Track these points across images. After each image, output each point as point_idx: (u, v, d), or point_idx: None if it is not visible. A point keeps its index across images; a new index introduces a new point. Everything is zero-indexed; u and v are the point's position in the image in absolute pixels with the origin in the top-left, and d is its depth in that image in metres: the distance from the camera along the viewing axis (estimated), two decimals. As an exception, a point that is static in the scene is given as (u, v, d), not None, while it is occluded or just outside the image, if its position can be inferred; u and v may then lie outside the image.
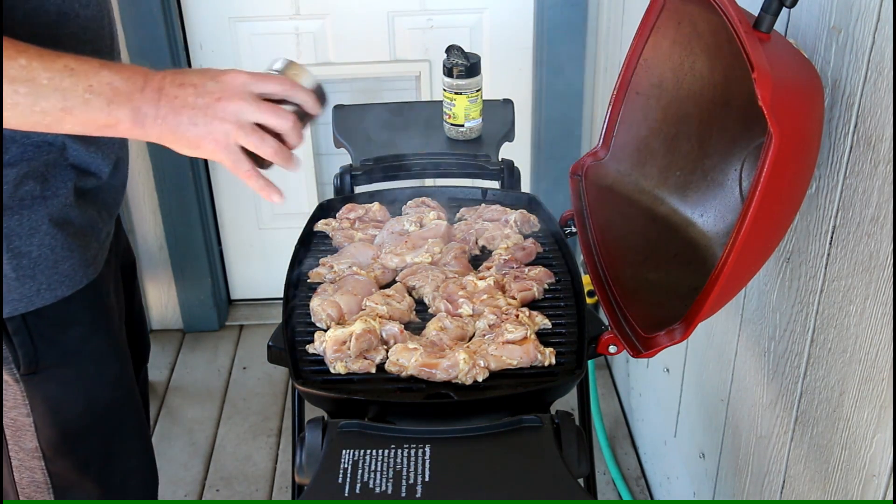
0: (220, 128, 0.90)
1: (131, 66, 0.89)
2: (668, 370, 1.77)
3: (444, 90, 1.60)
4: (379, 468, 0.90)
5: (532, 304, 1.16)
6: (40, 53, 0.85)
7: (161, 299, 2.55)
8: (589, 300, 1.21)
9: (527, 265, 1.23)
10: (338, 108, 1.74)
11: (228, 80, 0.90)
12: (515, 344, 1.05)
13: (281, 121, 0.93)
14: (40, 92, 0.84)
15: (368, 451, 0.92)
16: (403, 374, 1.03)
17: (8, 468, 1.15)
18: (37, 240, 1.02)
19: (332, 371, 1.04)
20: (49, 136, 1.01)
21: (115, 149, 1.11)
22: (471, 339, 1.09)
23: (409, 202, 1.39)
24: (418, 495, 0.87)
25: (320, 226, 1.34)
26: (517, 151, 1.82)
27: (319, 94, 0.97)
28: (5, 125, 0.87)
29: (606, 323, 1.12)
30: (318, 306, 1.12)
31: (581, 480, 0.93)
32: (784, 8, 0.86)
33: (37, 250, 1.03)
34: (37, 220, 1.02)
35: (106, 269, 1.14)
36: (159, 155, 2.31)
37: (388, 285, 1.19)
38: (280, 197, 0.98)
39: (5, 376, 1.08)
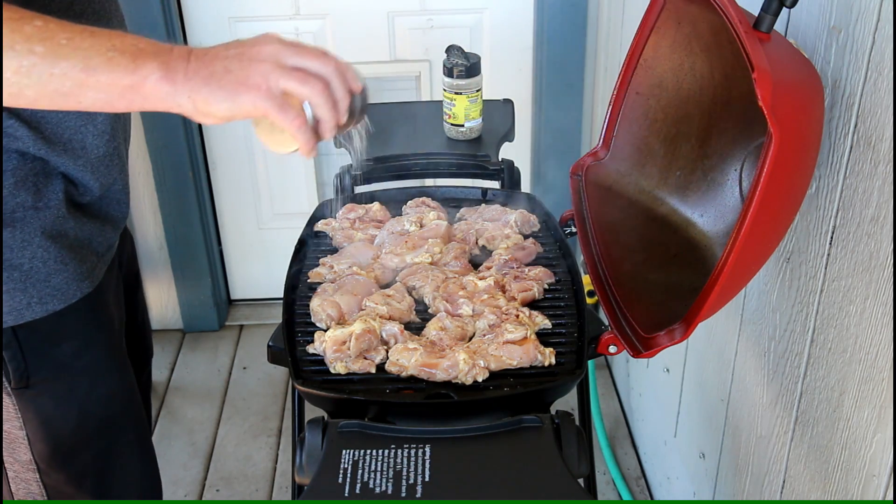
0: (257, 69, 0.80)
1: (141, 38, 0.81)
2: (668, 370, 1.77)
3: (444, 90, 1.60)
4: (379, 468, 0.90)
5: (532, 304, 1.16)
6: (57, 20, 0.78)
7: (161, 299, 2.55)
8: (589, 300, 1.21)
9: (527, 265, 1.23)
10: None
11: (262, 36, 0.83)
12: (515, 344, 1.05)
13: (324, 64, 0.82)
14: (59, 51, 0.76)
15: (368, 451, 0.92)
16: (403, 374, 1.03)
17: (5, 479, 1.14)
18: (29, 252, 0.99)
19: (332, 371, 1.04)
20: (31, 145, 0.97)
21: (106, 164, 1.06)
22: (471, 339, 1.09)
23: (409, 202, 1.39)
24: (418, 495, 0.87)
25: (320, 226, 1.34)
26: (517, 151, 1.82)
27: (362, 98, 0.88)
28: (22, 95, 0.78)
29: (606, 323, 1.12)
30: (318, 306, 1.12)
31: (581, 480, 0.93)
32: (784, 8, 0.86)
33: (28, 263, 1.00)
34: (29, 232, 0.99)
35: (106, 281, 1.12)
36: (159, 155, 2.31)
37: (388, 285, 1.19)
38: (314, 153, 0.87)
39: None
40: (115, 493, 1.21)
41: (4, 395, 1.06)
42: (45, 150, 0.98)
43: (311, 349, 1.07)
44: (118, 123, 1.07)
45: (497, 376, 1.04)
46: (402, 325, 1.09)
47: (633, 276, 1.17)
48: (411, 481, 0.89)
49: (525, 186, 1.84)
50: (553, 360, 1.06)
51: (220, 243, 2.59)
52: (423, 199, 1.39)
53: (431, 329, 1.09)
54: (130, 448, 1.22)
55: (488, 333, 1.08)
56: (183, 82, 0.79)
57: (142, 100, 0.80)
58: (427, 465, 0.91)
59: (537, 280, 1.18)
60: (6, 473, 1.14)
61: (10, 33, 0.75)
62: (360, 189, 1.50)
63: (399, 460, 0.91)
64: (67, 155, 1.00)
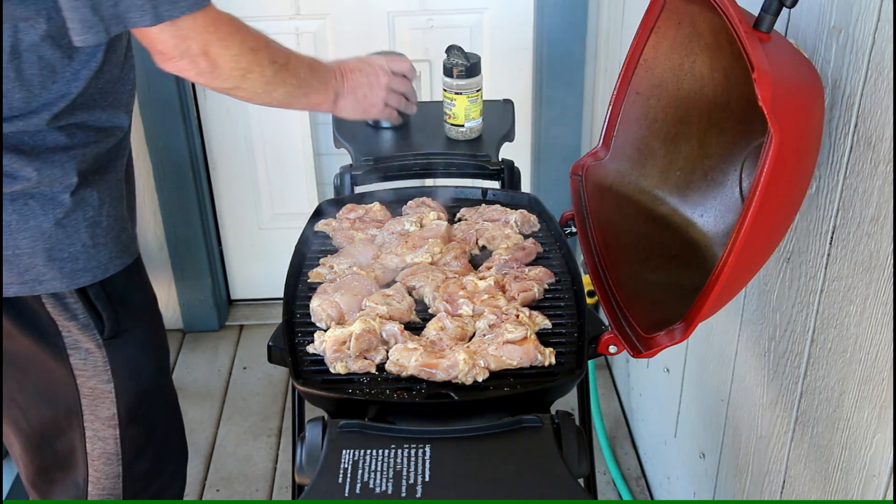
0: (379, 95, 1.36)
1: (321, 61, 1.26)
2: (668, 370, 1.77)
3: (444, 90, 1.60)
4: (379, 468, 0.90)
5: (532, 305, 1.16)
6: (295, 56, 1.18)
7: (161, 299, 2.51)
8: (589, 300, 1.21)
9: (527, 265, 1.23)
10: (338, 108, 1.74)
11: (376, 64, 1.36)
12: (515, 344, 1.05)
13: (407, 87, 1.45)
14: (301, 82, 1.19)
15: (368, 451, 0.92)
16: (403, 374, 1.03)
17: (81, 440, 1.21)
18: (105, 210, 1.12)
19: (332, 371, 1.04)
20: (117, 119, 1.13)
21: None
22: (471, 339, 1.09)
23: (410, 202, 1.39)
24: (418, 495, 0.87)
25: (320, 226, 1.34)
26: (517, 151, 1.82)
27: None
28: (275, 102, 1.17)
29: (606, 323, 1.12)
30: (318, 306, 1.12)
31: (581, 480, 0.93)
32: (784, 8, 0.86)
33: (106, 220, 1.13)
34: (104, 190, 1.12)
35: None
36: (159, 155, 2.31)
37: (388, 285, 1.19)
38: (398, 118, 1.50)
39: (88, 344, 1.15)
40: (171, 447, 1.33)
41: (95, 349, 1.16)
42: (127, 119, 1.16)
43: (311, 349, 1.07)
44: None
45: (497, 376, 1.04)
46: (402, 325, 1.09)
47: (633, 276, 1.17)
48: (411, 481, 0.89)
49: (525, 186, 1.84)
50: (553, 360, 1.06)
51: (220, 243, 2.59)
52: (423, 199, 1.39)
53: (431, 329, 1.09)
54: (176, 404, 1.36)
55: (488, 333, 1.08)
56: (343, 102, 1.31)
57: (319, 109, 1.31)
58: (427, 465, 0.91)
59: (537, 280, 1.18)
60: (84, 433, 1.21)
61: (288, 77, 1.17)
62: (360, 189, 1.50)
63: (399, 460, 0.91)
64: (129, 116, 1.17)
